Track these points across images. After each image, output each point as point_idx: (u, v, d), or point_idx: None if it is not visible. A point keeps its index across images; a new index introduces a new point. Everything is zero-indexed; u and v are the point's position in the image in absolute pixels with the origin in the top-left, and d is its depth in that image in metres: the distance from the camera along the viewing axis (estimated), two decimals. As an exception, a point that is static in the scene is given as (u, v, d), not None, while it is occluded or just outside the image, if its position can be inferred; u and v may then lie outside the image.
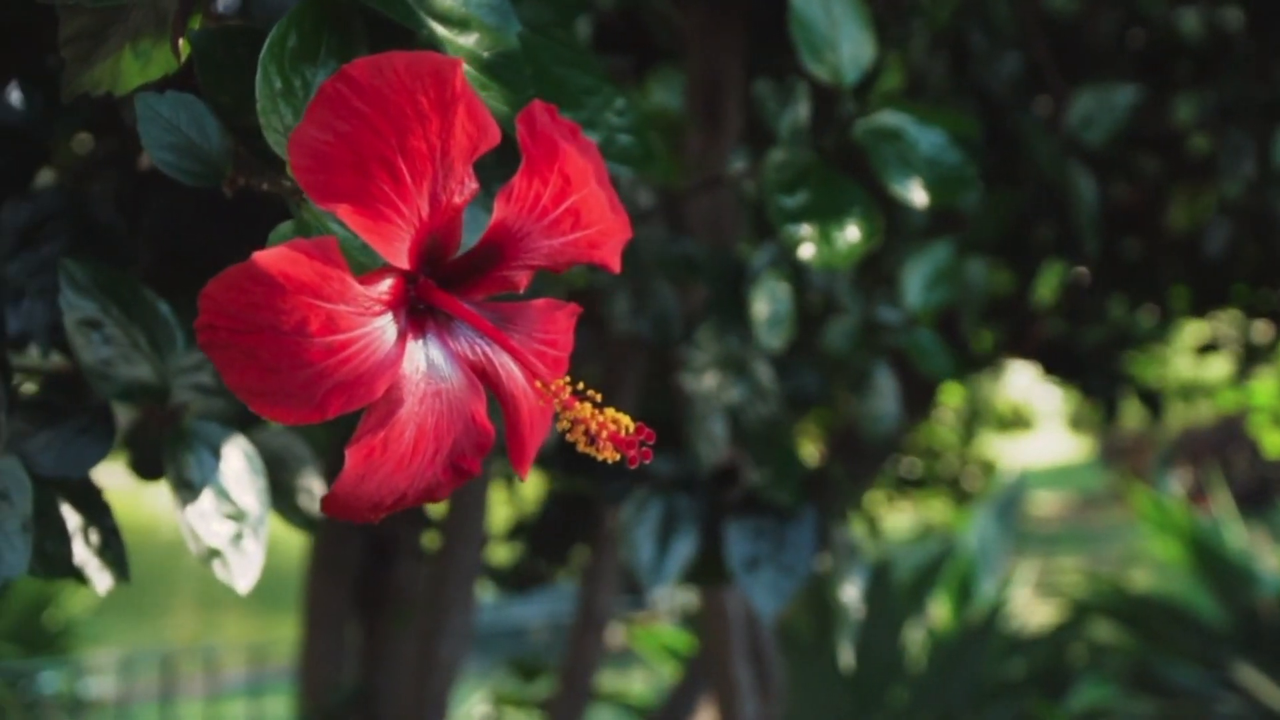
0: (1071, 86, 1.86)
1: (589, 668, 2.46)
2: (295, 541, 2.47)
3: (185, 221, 1.13)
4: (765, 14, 1.64)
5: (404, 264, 0.60)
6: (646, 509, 1.54)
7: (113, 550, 0.98)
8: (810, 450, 3.25)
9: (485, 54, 0.73)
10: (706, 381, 1.42)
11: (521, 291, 0.65)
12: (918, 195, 1.08)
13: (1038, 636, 3.75)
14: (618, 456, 0.61)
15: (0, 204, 1.06)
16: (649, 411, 1.54)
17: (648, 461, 0.61)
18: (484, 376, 0.64)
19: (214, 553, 0.95)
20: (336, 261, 0.57)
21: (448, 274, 0.63)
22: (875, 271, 1.72)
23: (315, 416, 0.59)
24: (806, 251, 1.02)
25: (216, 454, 0.97)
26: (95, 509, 0.98)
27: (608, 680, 4.61)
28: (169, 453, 0.95)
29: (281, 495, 1.24)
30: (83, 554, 0.97)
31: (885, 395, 1.67)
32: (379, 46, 0.74)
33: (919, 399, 2.58)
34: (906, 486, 3.79)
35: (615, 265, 0.67)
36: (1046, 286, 2.54)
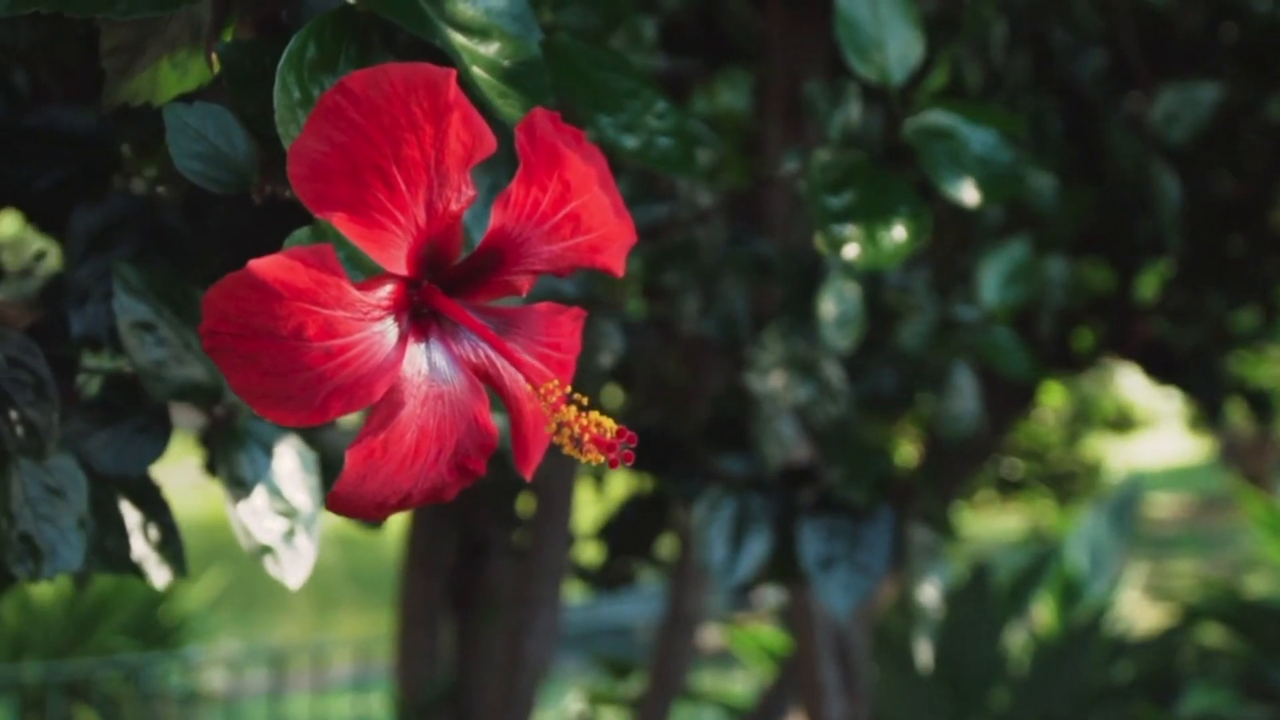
0: (1160, 82, 1.83)
1: (678, 667, 2.47)
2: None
3: (250, 226, 1.16)
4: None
5: (402, 270, 0.61)
6: (719, 508, 1.54)
7: (171, 546, 1.01)
8: (909, 451, 3.23)
9: (506, 62, 0.74)
10: (773, 382, 1.42)
11: (524, 295, 0.66)
12: (969, 194, 1.07)
13: (1146, 640, 3.69)
14: (601, 459, 0.62)
15: (71, 210, 1.10)
16: (721, 412, 1.55)
17: (629, 464, 0.62)
18: (487, 379, 0.65)
19: (266, 549, 0.98)
20: (333, 268, 0.59)
21: (451, 279, 0.65)
22: (952, 269, 1.71)
23: (316, 419, 0.60)
24: (851, 252, 1.02)
25: (269, 452, 1.00)
26: (154, 506, 1.01)
27: (708, 680, 4.62)
28: (221, 451, 0.98)
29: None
30: (142, 549, 1.00)
31: (965, 395, 1.66)
32: (402, 57, 0.76)
33: (1015, 399, 2.56)
34: (1008, 488, 3.75)
35: (619, 269, 0.68)
36: (1148, 285, 2.50)
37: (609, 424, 0.62)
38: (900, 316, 1.61)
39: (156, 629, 5.45)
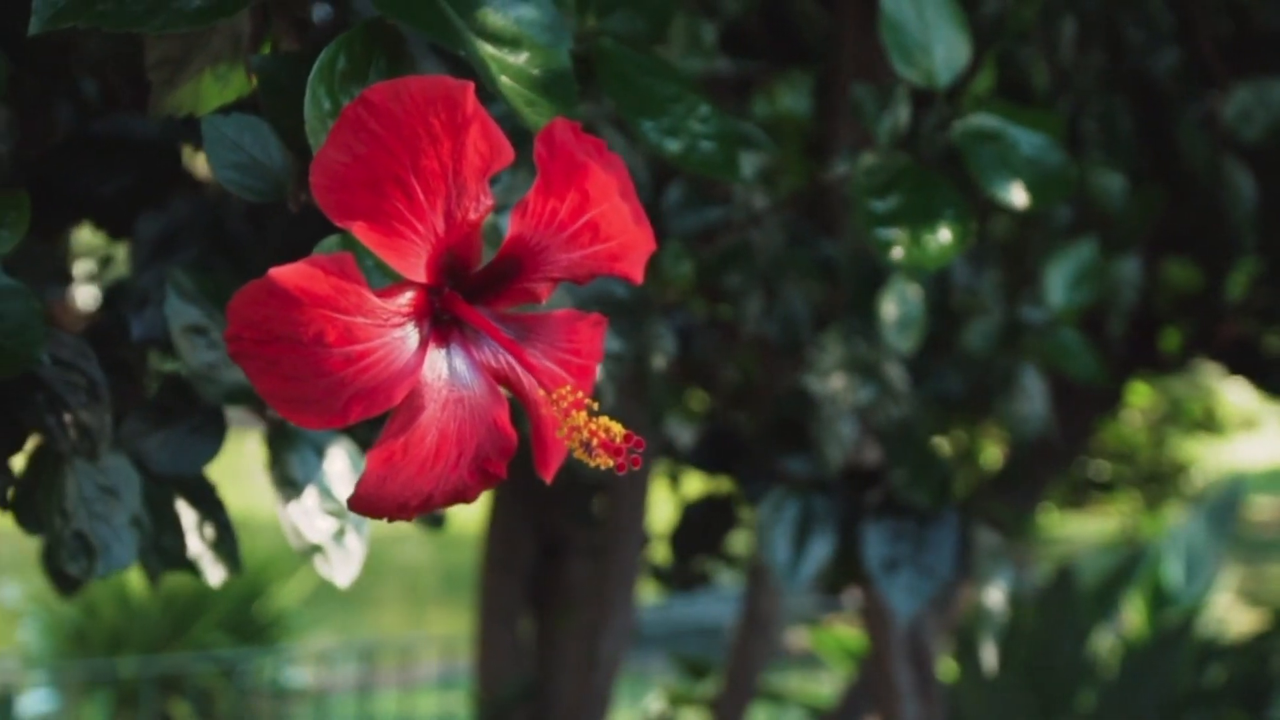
0: (1236, 79, 1.81)
1: (754, 668, 2.47)
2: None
3: (311, 232, 1.18)
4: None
5: (422, 278, 0.63)
6: (783, 509, 1.55)
7: (226, 544, 1.04)
8: (994, 452, 3.21)
9: (535, 71, 0.75)
10: (833, 384, 1.42)
11: (544, 302, 0.67)
12: (1017, 197, 1.07)
13: (1238, 645, 3.63)
14: (610, 463, 0.63)
15: (136, 216, 1.12)
16: (783, 413, 1.56)
17: (637, 468, 0.63)
18: (507, 384, 0.67)
19: (316, 548, 1.00)
20: (353, 276, 0.60)
21: (472, 286, 0.66)
22: (1020, 271, 1.70)
23: (338, 422, 0.62)
24: (897, 254, 1.03)
25: (320, 453, 1.02)
26: (209, 505, 1.03)
27: (795, 681, 4.61)
28: (272, 452, 1.00)
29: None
30: (198, 547, 1.02)
31: (1032, 397, 1.65)
32: (431, 68, 0.78)
33: (1099, 400, 2.54)
34: (1095, 490, 3.70)
35: (637, 276, 0.69)
36: (1236, 284, 2.47)
37: (617, 429, 0.63)
38: (966, 318, 1.61)
39: (251, 625, 5.54)
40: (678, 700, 2.87)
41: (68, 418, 0.88)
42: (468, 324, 0.66)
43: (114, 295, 1.09)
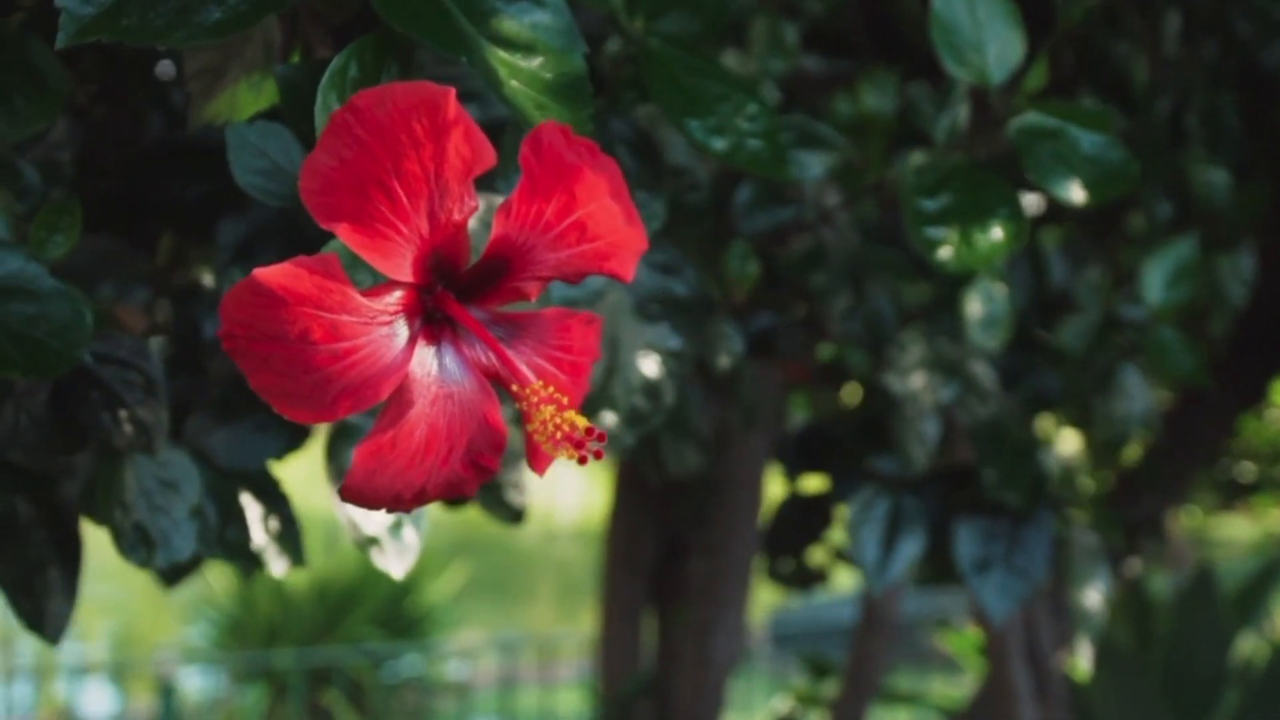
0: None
1: (873, 668, 2.47)
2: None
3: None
4: (1033, 8, 1.62)
5: (408, 277, 0.65)
6: (872, 508, 1.55)
7: (289, 537, 1.07)
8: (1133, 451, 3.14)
9: (548, 75, 0.77)
10: (913, 382, 1.42)
11: (534, 300, 0.69)
12: (1076, 194, 1.06)
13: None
14: (575, 456, 0.65)
15: (218, 221, 1.17)
16: (871, 411, 1.56)
17: (599, 460, 0.65)
18: (499, 380, 0.69)
19: (372, 540, 1.03)
20: (337, 275, 0.63)
21: (464, 286, 0.68)
22: (1118, 268, 1.68)
23: (328, 416, 0.65)
24: (945, 254, 1.03)
25: (378, 449, 1.05)
26: (274, 499, 1.07)
27: (937, 684, 4.57)
28: (330, 446, 1.03)
29: (489, 489, 1.31)
30: (262, 540, 1.06)
31: (1132, 396, 1.63)
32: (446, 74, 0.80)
33: (1241, 399, 2.48)
34: (1239, 491, 3.61)
35: (627, 275, 0.70)
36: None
37: (581, 422, 0.65)
38: (1064, 316, 1.59)
39: (402, 619, 5.66)
40: (805, 700, 2.87)
41: (124, 414, 0.92)
42: (458, 322, 0.68)
43: (187, 297, 1.13)
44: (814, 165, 1.25)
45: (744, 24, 1.36)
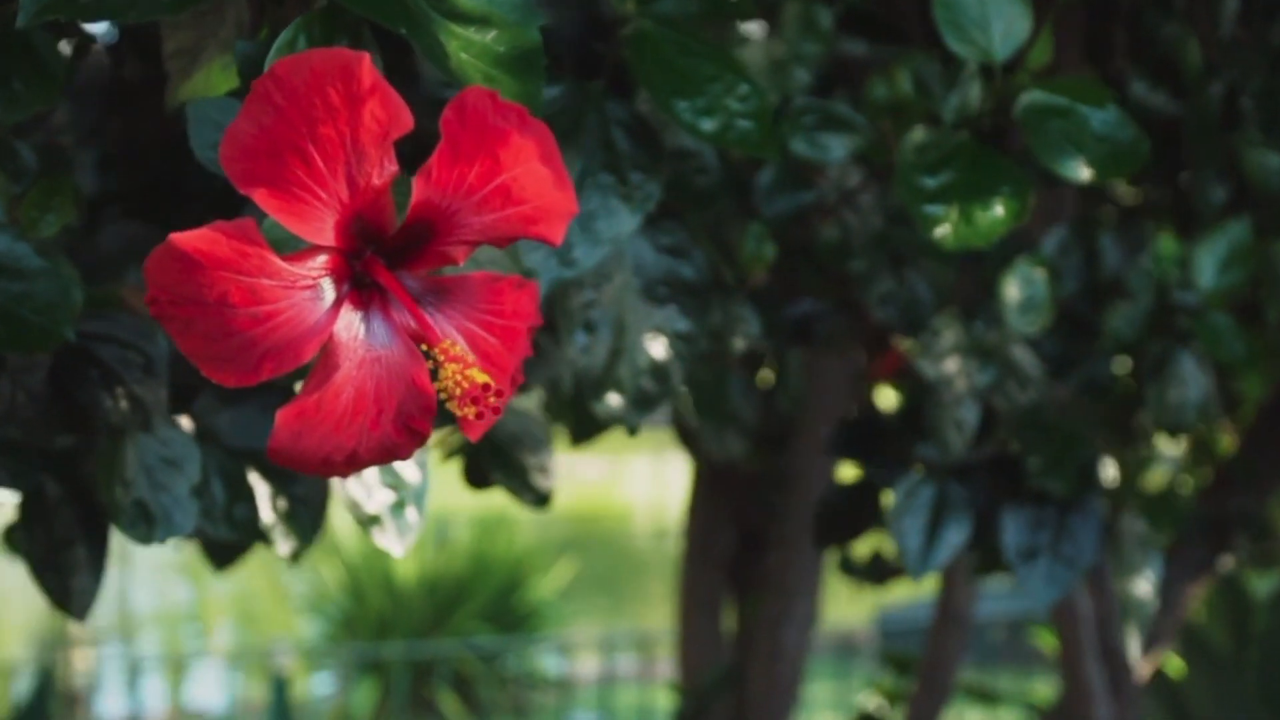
0: None
1: (949, 665, 2.44)
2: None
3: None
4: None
5: (330, 242, 0.66)
6: (916, 495, 1.53)
7: (298, 517, 1.09)
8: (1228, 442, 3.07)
9: (502, 49, 0.78)
10: (948, 367, 1.40)
11: (461, 265, 0.70)
12: (1083, 173, 1.05)
13: None
14: (473, 412, 0.66)
15: (243, 208, 1.19)
16: (914, 397, 1.54)
17: (498, 417, 0.65)
18: (426, 344, 0.69)
19: (374, 519, 1.04)
20: (255, 240, 0.64)
21: (393, 250, 0.69)
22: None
23: (251, 379, 0.66)
24: (942, 232, 1.02)
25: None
26: (284, 478, 1.09)
27: (1040, 684, 4.50)
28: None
29: (515, 473, 1.32)
30: (269, 518, 1.08)
31: (1188, 384, 1.59)
32: (391, 47, 0.81)
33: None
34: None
35: (556, 239, 0.70)
36: None
37: (481, 377, 0.66)
38: (1114, 301, 1.57)
39: (511, 614, 5.71)
40: (890, 697, 2.85)
41: (121, 392, 0.94)
42: (382, 285, 0.69)
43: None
44: (837, 148, 1.24)
45: (777, 6, 1.36)
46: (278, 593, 6.36)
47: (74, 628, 6.73)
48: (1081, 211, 1.65)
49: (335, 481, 1.05)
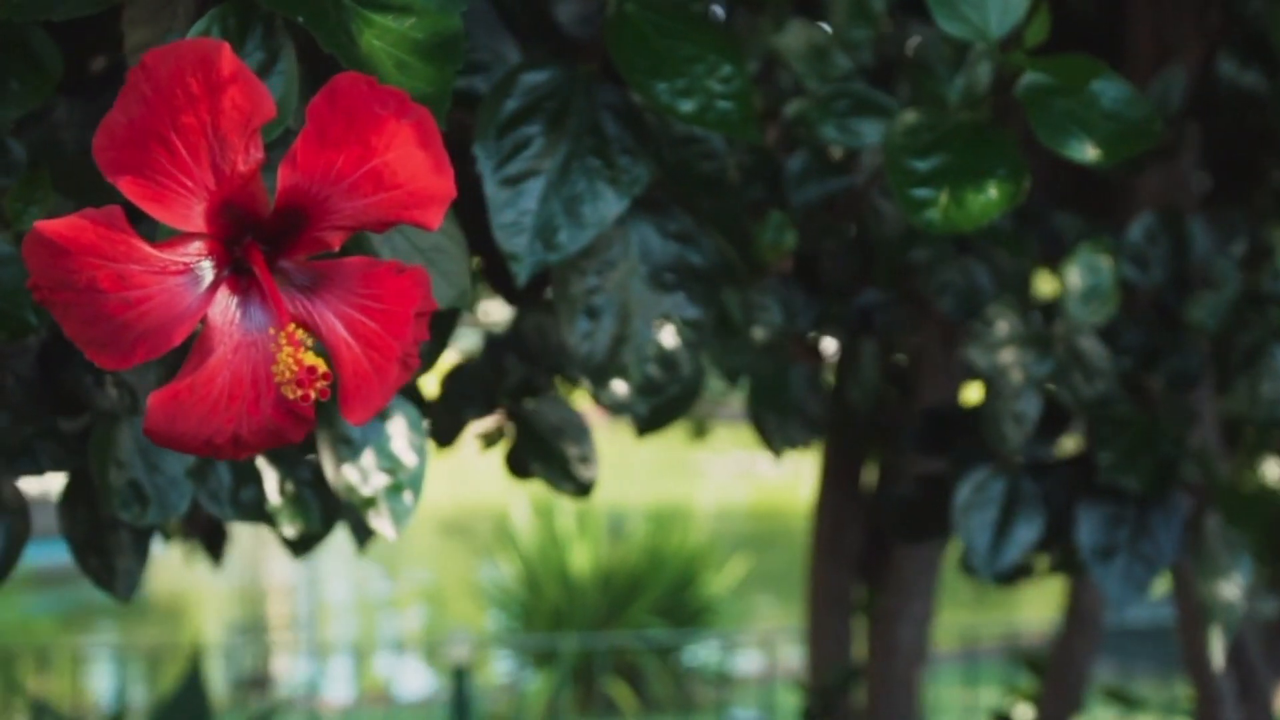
0: None
1: (1079, 665, 2.37)
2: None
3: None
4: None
5: (200, 228, 0.67)
6: (986, 490, 1.49)
7: (304, 501, 1.11)
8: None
9: (420, 36, 0.78)
10: (1002, 358, 1.37)
11: (336, 250, 0.70)
12: (1089, 153, 1.01)
13: None
14: (297, 395, 0.66)
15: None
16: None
17: (324, 399, 0.66)
18: (307, 329, 0.70)
19: (369, 501, 1.06)
20: (121, 226, 0.66)
21: (270, 237, 0.70)
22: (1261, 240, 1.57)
23: (127, 363, 0.68)
24: (931, 215, 0.99)
25: (382, 415, 1.08)
26: (290, 463, 1.11)
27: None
28: (326, 412, 1.06)
29: (556, 463, 1.33)
30: (276, 502, 1.10)
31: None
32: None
33: None
34: None
35: (433, 224, 0.70)
36: None
37: (308, 360, 0.66)
38: (1199, 290, 1.51)
39: (685, 609, 5.72)
40: (1029, 699, 2.78)
41: (109, 377, 0.97)
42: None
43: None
44: (871, 133, 1.22)
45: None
46: (465, 585, 6.48)
47: (271, 615, 6.97)
48: (1168, 198, 1.59)
49: (331, 466, 1.07)
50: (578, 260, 1.09)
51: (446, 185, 0.70)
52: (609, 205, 1.02)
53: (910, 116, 1.03)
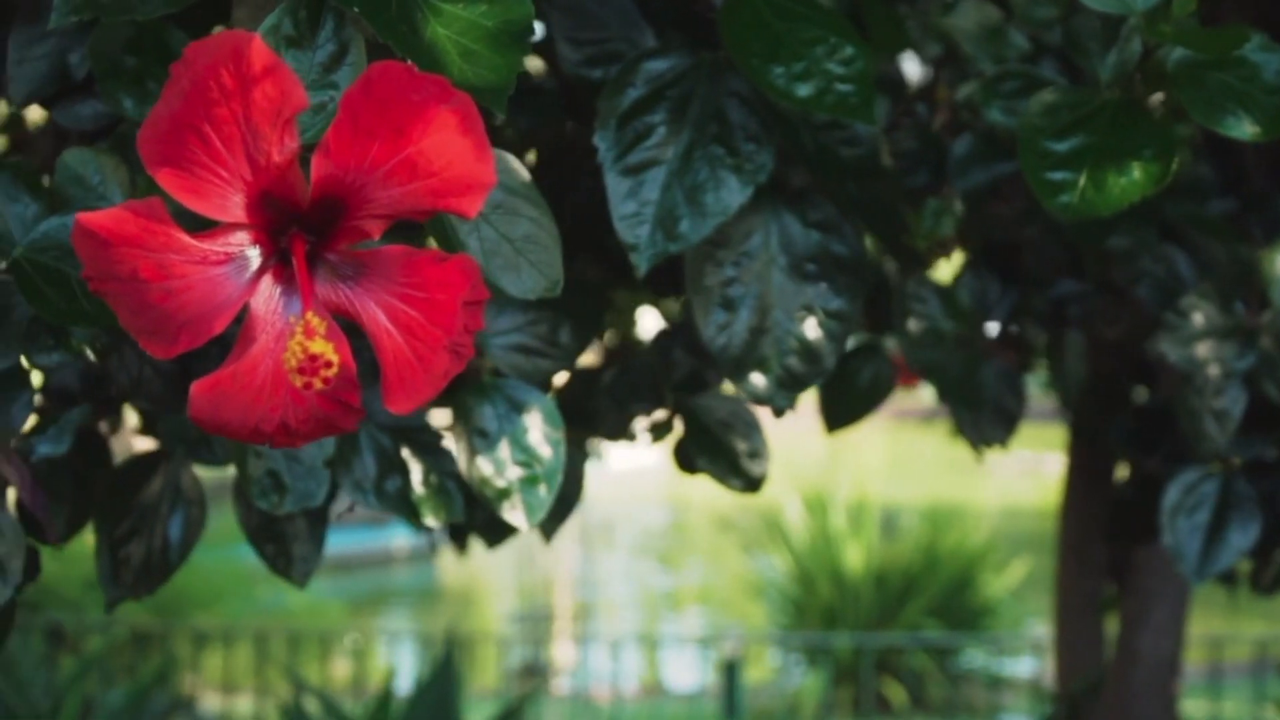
0: None
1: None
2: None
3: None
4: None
5: (239, 219, 0.68)
6: (1197, 492, 1.41)
7: (447, 492, 1.11)
8: None
9: (490, 24, 0.77)
10: (1198, 351, 1.28)
11: (376, 239, 0.70)
12: (1247, 129, 0.94)
13: None
14: (302, 383, 0.65)
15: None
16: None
17: (327, 386, 0.65)
18: (348, 317, 0.70)
19: (503, 493, 1.06)
20: (162, 218, 0.67)
21: (312, 227, 0.70)
22: None
23: (173, 351, 0.69)
24: (1066, 199, 0.93)
25: (518, 409, 1.07)
26: (434, 455, 1.12)
27: None
28: (461, 405, 1.07)
29: (723, 458, 1.31)
30: (420, 493, 1.11)
31: None
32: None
33: None
34: None
35: (469, 212, 0.69)
36: None
37: (316, 348, 0.66)
38: None
39: (961, 610, 5.60)
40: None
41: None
42: (315, 260, 0.70)
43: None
44: (1042, 114, 1.16)
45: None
46: (738, 580, 6.49)
47: (555, 605, 7.11)
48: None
49: (465, 458, 1.07)
50: (713, 251, 1.07)
51: (487, 173, 0.69)
52: (732, 194, 0.99)
53: (1048, 96, 0.97)
